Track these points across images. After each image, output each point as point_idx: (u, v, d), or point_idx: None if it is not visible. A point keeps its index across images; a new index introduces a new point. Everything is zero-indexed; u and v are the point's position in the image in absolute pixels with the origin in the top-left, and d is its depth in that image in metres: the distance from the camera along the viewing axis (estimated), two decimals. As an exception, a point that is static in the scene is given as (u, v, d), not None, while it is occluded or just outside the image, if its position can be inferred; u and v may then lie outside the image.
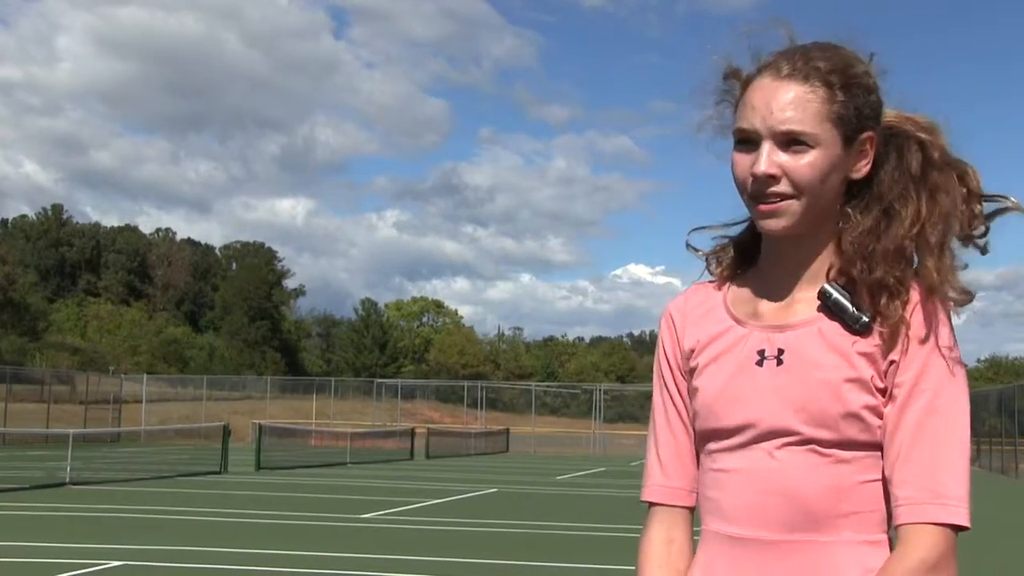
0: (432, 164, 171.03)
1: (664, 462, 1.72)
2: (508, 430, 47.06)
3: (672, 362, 1.73)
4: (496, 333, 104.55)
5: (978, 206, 1.60)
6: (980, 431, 40.71)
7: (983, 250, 1.61)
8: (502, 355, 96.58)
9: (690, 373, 1.69)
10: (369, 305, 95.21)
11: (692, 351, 1.69)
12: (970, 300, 1.57)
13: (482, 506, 17.41)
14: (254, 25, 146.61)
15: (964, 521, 1.47)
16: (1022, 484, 29.39)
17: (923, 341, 1.52)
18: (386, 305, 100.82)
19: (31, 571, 9.22)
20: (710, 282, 1.75)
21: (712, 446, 1.64)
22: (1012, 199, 1.61)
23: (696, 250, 1.77)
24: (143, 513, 14.31)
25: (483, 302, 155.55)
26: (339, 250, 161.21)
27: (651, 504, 1.73)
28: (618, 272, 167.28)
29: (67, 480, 19.07)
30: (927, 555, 1.45)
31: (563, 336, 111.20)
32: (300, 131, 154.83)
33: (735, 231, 1.75)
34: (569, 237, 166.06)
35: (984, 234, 1.61)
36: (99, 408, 43.69)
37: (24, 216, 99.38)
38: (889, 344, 1.52)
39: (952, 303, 1.56)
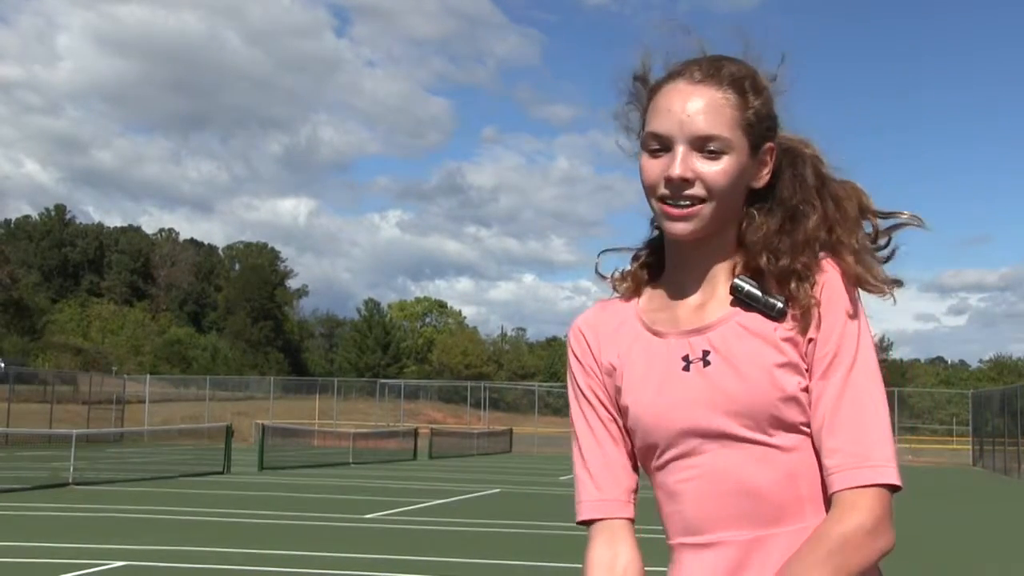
0: (435, 164, 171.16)
1: (595, 476, 1.69)
2: (511, 430, 47.04)
3: (591, 373, 1.71)
4: (499, 333, 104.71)
5: (875, 220, 1.65)
6: (983, 431, 40.69)
7: (887, 259, 1.65)
8: (505, 355, 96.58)
9: (617, 392, 1.67)
10: (372, 305, 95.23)
11: (612, 368, 1.68)
12: (898, 286, 1.62)
13: (485, 506, 17.41)
14: (255, 23, 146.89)
15: (895, 480, 1.49)
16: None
17: (834, 317, 1.55)
18: (389, 305, 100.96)
19: (34, 571, 9.23)
20: (617, 298, 1.75)
21: (657, 462, 1.63)
22: (905, 214, 1.66)
23: (603, 277, 1.77)
24: (146, 513, 14.32)
25: (486, 302, 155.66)
26: (342, 250, 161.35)
27: (589, 522, 1.69)
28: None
29: (70, 480, 19.09)
30: (864, 518, 1.46)
31: (566, 336, 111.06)
32: (302, 130, 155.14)
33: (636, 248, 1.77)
34: (572, 237, 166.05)
35: (886, 245, 1.65)
36: (102, 408, 43.75)
37: (27, 216, 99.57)
38: (804, 323, 1.55)
39: (883, 292, 1.61)
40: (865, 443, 1.50)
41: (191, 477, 22.61)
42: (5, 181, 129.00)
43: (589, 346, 1.72)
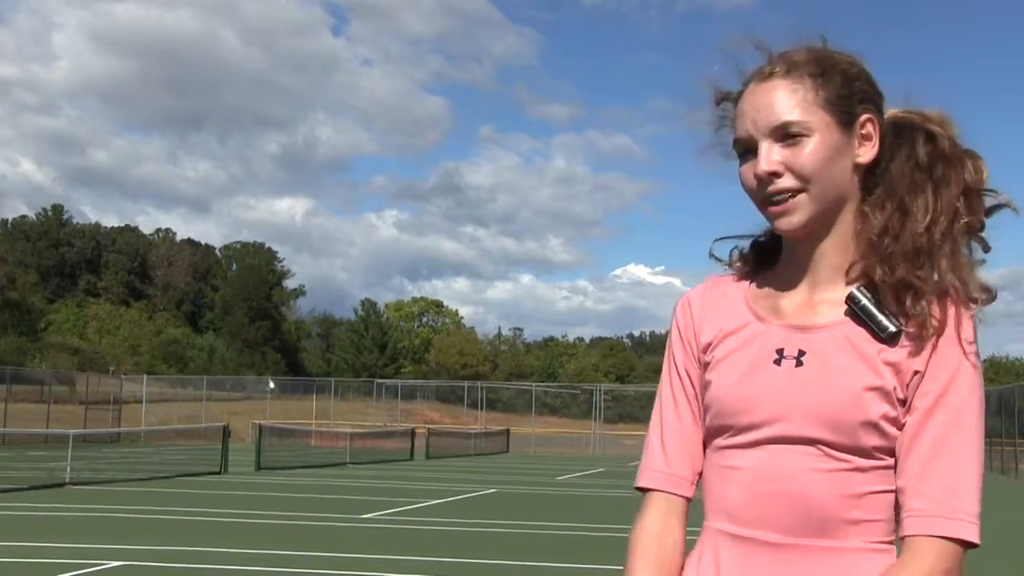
0: (432, 163, 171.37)
1: (668, 448, 1.68)
2: (508, 430, 47.02)
3: (688, 348, 1.70)
4: (496, 333, 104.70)
5: (978, 200, 1.59)
6: (980, 431, 40.65)
7: (985, 247, 1.60)
8: (502, 355, 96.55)
9: (705, 366, 1.67)
10: (369, 305, 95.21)
11: (709, 344, 1.67)
12: (992, 298, 1.56)
13: (482, 506, 17.41)
14: (252, 22, 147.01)
15: (975, 538, 1.46)
16: (1022, 484, 29.38)
17: (947, 354, 1.50)
18: (386, 305, 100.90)
19: (31, 571, 9.22)
20: (730, 275, 1.74)
21: (721, 442, 1.62)
22: (1004, 195, 1.61)
23: (719, 260, 1.76)
24: (143, 513, 14.31)
25: (483, 302, 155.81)
26: (339, 250, 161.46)
27: (648, 491, 1.69)
28: (618, 272, 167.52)
29: (67, 480, 19.07)
30: (932, 568, 1.45)
31: (563, 336, 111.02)
32: (299, 130, 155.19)
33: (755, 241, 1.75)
34: (569, 237, 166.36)
35: (982, 228, 1.59)
36: (99, 408, 43.69)
37: (24, 216, 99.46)
38: (915, 350, 1.51)
39: (975, 303, 1.54)
40: (957, 494, 1.47)
41: (188, 477, 22.59)
42: (1, 181, 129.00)
43: (693, 320, 1.71)
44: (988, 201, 1.60)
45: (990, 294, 1.56)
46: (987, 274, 1.59)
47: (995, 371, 79.69)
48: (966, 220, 1.56)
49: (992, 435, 37.84)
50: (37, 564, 9.58)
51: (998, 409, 36.80)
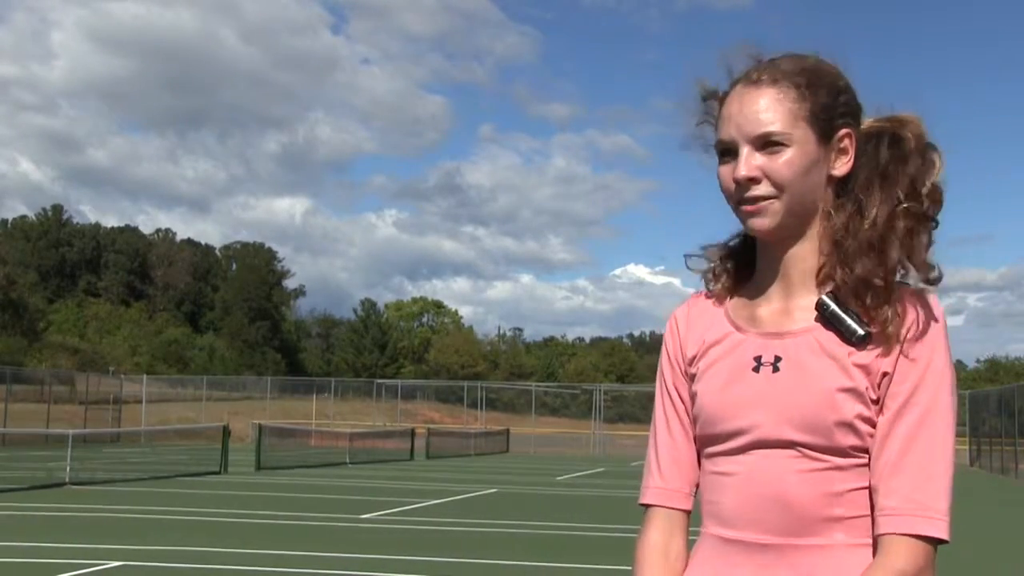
0: (432, 163, 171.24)
1: (662, 465, 1.75)
2: (508, 430, 47.01)
3: (675, 366, 1.76)
4: (496, 333, 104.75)
5: (923, 186, 1.61)
6: (980, 431, 40.69)
7: (933, 226, 1.63)
8: (502, 355, 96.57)
9: (692, 379, 1.72)
10: (368, 305, 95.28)
11: (694, 357, 1.72)
12: (939, 276, 1.61)
13: (482, 506, 17.41)
14: (251, 21, 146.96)
15: (945, 535, 1.51)
16: (1022, 484, 29.39)
17: (915, 356, 1.55)
18: (386, 305, 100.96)
19: (31, 571, 9.22)
20: (714, 289, 1.78)
21: (711, 450, 1.67)
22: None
23: (692, 270, 1.82)
24: (143, 513, 14.31)
25: (483, 302, 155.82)
26: (338, 250, 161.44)
27: (649, 506, 1.75)
28: (618, 272, 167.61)
29: (67, 480, 19.08)
30: (905, 567, 1.49)
31: (563, 336, 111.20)
32: (299, 129, 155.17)
33: (726, 247, 1.78)
34: (569, 236, 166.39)
35: (927, 214, 1.62)
36: (99, 408, 43.69)
37: (24, 216, 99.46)
38: (884, 350, 1.55)
39: (930, 283, 1.60)
40: (926, 492, 1.52)
41: (188, 477, 22.59)
42: (1, 180, 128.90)
43: (679, 337, 1.77)
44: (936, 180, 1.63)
45: (936, 271, 1.61)
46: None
47: (995, 371, 79.64)
48: (905, 206, 1.60)
49: (992, 435, 37.86)
50: (37, 564, 9.58)
51: (998, 409, 36.80)
